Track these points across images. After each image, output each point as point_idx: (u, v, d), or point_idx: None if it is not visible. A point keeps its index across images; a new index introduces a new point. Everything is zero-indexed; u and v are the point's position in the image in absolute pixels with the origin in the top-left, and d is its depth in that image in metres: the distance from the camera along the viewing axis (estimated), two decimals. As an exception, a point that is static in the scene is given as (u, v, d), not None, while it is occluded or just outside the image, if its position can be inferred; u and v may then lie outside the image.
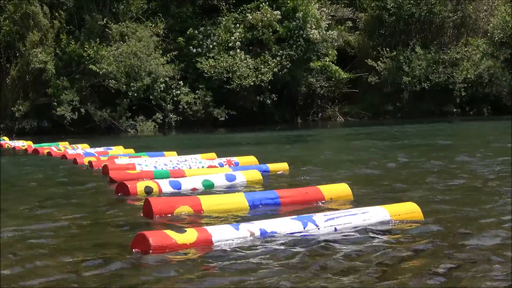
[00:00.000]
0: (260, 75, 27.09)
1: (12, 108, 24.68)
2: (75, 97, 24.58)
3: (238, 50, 27.40)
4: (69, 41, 25.45)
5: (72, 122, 24.74)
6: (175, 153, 10.47)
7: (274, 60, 27.58)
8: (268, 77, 27.17)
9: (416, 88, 30.93)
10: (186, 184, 6.51)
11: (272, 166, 8.11)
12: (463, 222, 4.37)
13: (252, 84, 26.84)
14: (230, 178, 6.85)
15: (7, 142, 17.95)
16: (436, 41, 32.31)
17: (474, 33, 33.13)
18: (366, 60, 31.71)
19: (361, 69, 32.87)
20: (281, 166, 8.20)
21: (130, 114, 26.02)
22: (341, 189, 5.59)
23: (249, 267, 3.31)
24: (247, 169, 7.60)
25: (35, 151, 13.92)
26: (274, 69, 27.39)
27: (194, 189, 6.41)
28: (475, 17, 32.92)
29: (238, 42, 27.51)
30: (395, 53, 31.58)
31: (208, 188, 6.48)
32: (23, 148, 15.98)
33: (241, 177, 6.94)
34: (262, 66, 27.34)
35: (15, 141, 18.41)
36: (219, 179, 6.75)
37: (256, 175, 7.11)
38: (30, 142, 16.91)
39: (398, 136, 16.56)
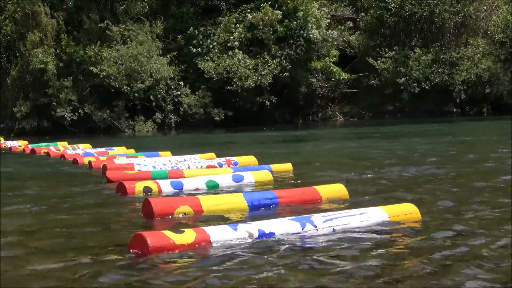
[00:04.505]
0: (260, 77, 27.08)
1: (13, 109, 24.67)
2: (75, 98, 24.58)
3: (237, 50, 27.39)
4: (70, 42, 25.47)
5: (72, 122, 24.77)
6: (169, 153, 10.45)
7: (274, 61, 27.56)
8: (268, 79, 27.16)
9: (416, 88, 30.93)
10: (188, 184, 6.44)
11: (275, 167, 7.93)
12: (461, 222, 4.37)
13: (253, 85, 26.83)
14: (237, 178, 6.73)
15: (4, 142, 17.83)
16: (436, 41, 32.32)
17: (474, 33, 33.15)
18: (367, 58, 31.70)
19: (362, 69, 32.89)
20: (285, 167, 8.05)
21: (129, 114, 26.03)
22: (337, 189, 5.61)
23: (247, 268, 3.31)
24: (248, 169, 7.46)
25: (33, 151, 13.87)
26: (274, 71, 27.38)
27: (196, 190, 6.33)
28: (475, 17, 32.93)
29: (236, 42, 27.49)
30: (395, 53, 31.58)
31: (212, 189, 6.38)
32: (20, 148, 15.90)
33: (250, 178, 6.78)
34: (262, 68, 27.33)
35: (11, 141, 18.29)
36: (225, 180, 6.63)
37: (266, 175, 6.95)
38: (25, 142, 16.82)
39: (397, 136, 16.56)
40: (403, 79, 30.84)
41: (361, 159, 9.95)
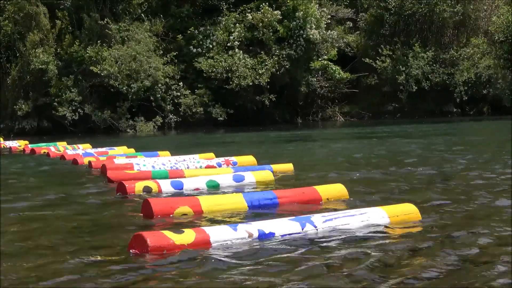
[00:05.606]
0: (258, 76, 27.06)
1: (14, 106, 24.68)
2: (76, 98, 24.60)
3: (237, 50, 27.39)
4: (70, 42, 25.47)
5: (72, 122, 24.78)
6: (168, 153, 10.45)
7: (271, 59, 27.55)
8: (265, 78, 27.14)
9: (415, 88, 30.92)
10: (189, 184, 6.42)
11: (276, 167, 7.88)
12: (461, 222, 4.37)
13: (250, 84, 26.81)
14: (238, 178, 6.70)
15: (4, 142, 17.81)
16: (436, 41, 32.31)
17: (474, 33, 33.15)
18: (363, 59, 31.69)
19: (361, 69, 32.89)
20: (285, 167, 8.01)
21: (130, 115, 26.03)
22: (337, 190, 5.61)
23: (247, 268, 3.30)
24: (249, 169, 7.43)
25: (32, 151, 13.87)
26: (272, 69, 27.35)
27: (197, 190, 6.33)
28: (475, 17, 32.93)
29: (236, 42, 27.49)
30: (394, 53, 31.57)
31: (213, 189, 6.36)
32: (19, 148, 15.89)
33: (250, 178, 6.76)
34: (260, 67, 27.32)
35: (11, 141, 18.26)
36: (225, 180, 6.61)
37: (267, 175, 6.92)
38: (26, 142, 16.82)
39: (397, 136, 16.56)
40: (402, 77, 30.81)
41: (361, 159, 9.94)
